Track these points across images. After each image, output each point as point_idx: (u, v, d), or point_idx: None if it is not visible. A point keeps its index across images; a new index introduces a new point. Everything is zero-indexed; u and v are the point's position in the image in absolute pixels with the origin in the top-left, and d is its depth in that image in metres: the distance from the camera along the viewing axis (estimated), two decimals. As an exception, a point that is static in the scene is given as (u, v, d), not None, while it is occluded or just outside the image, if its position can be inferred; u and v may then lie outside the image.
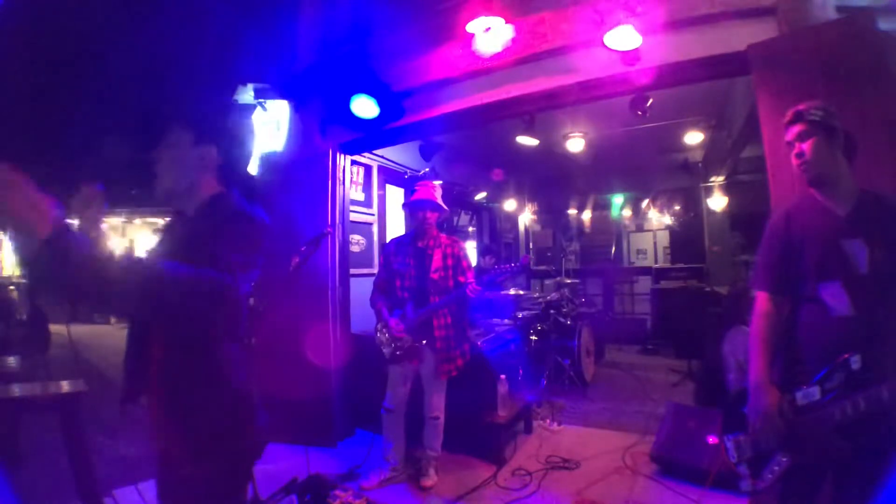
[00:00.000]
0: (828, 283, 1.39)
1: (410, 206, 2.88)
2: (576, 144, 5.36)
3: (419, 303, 2.77)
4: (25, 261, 0.85)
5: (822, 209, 1.47)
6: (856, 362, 1.29)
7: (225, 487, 1.20)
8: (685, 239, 7.76)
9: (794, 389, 1.40)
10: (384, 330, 2.83)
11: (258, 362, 1.35)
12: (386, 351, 2.82)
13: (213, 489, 1.17)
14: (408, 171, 5.30)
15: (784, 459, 1.40)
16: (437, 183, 2.97)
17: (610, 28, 2.49)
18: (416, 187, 2.88)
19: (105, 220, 12.88)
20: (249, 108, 4.12)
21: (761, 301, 1.53)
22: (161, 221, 13.19)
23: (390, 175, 4.92)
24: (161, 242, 1.32)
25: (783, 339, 1.49)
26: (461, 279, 2.77)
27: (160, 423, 1.20)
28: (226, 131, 1.30)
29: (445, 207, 2.90)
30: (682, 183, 7.56)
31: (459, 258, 2.83)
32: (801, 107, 1.48)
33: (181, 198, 1.27)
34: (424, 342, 2.77)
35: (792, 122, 1.49)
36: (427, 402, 2.85)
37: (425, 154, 5.06)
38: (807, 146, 1.45)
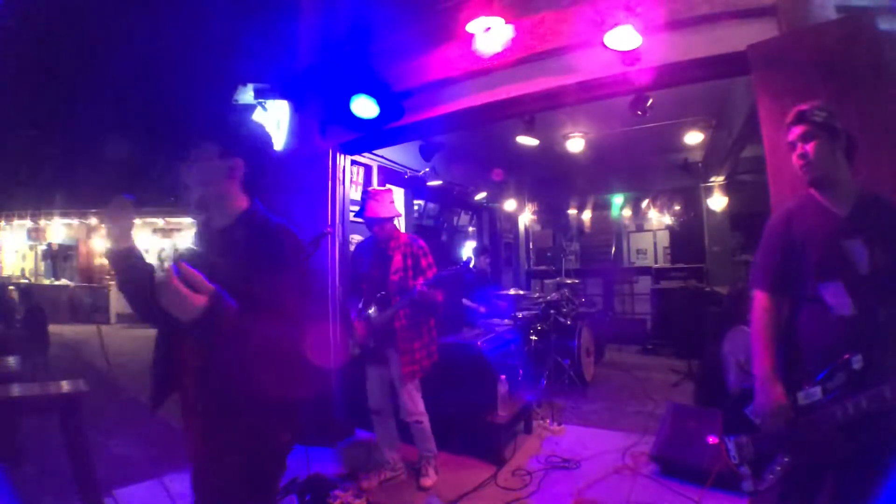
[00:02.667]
0: (829, 284, 1.39)
1: (364, 221, 2.91)
2: (576, 144, 5.36)
3: (383, 305, 2.77)
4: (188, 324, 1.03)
5: (823, 210, 1.46)
6: (857, 362, 1.29)
7: (259, 481, 1.27)
8: (685, 239, 7.76)
9: (795, 390, 1.40)
10: (352, 333, 2.85)
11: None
12: (354, 353, 2.84)
13: (248, 482, 1.23)
14: (408, 171, 5.31)
15: (786, 460, 1.40)
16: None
17: (610, 28, 2.49)
18: (366, 200, 2.87)
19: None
20: (249, 108, 4.12)
21: (760, 300, 1.52)
22: (160, 222, 13.19)
23: (390, 175, 4.91)
24: (195, 256, 1.33)
25: (783, 339, 1.49)
26: (420, 279, 2.75)
27: (199, 416, 1.24)
28: (251, 142, 1.34)
29: (393, 215, 2.87)
30: (682, 183, 7.55)
31: (418, 257, 2.81)
32: (803, 107, 1.48)
33: (211, 210, 1.32)
34: (389, 344, 2.77)
35: (794, 122, 1.49)
36: (402, 406, 2.82)
37: (425, 154, 5.06)
38: (810, 147, 1.44)
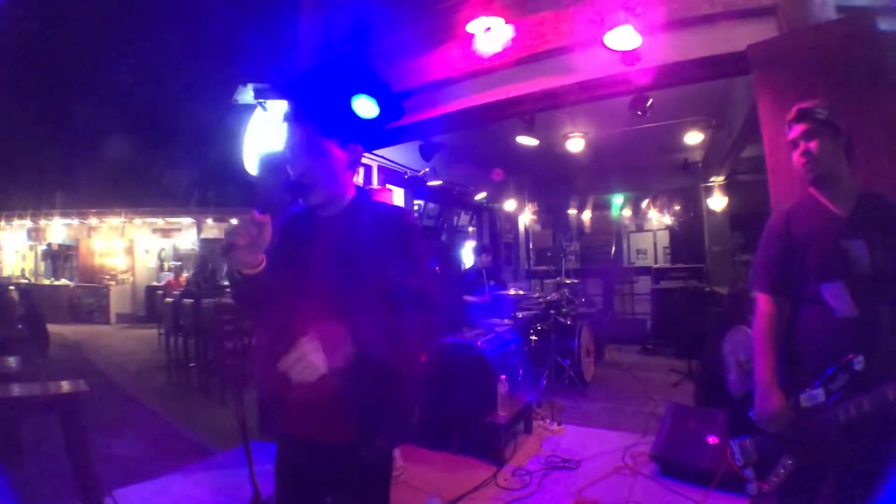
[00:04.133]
0: (830, 284, 1.38)
1: None
2: (576, 144, 5.36)
3: None
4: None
5: (823, 210, 1.46)
6: (859, 363, 1.28)
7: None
8: (685, 239, 7.77)
9: (797, 392, 1.40)
10: None
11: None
12: None
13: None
14: (408, 171, 5.30)
15: (789, 462, 1.40)
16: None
17: (610, 28, 2.49)
18: None
19: (106, 219, 12.79)
20: (249, 108, 4.12)
21: (762, 303, 1.51)
22: (160, 222, 13.18)
23: (390, 175, 4.91)
24: (299, 246, 1.27)
25: (785, 340, 1.49)
26: None
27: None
28: (359, 127, 1.36)
29: None
30: (682, 183, 7.56)
31: None
32: (805, 105, 1.47)
33: (328, 199, 1.26)
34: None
35: (796, 120, 1.48)
36: None
37: (425, 154, 5.05)
38: (813, 145, 1.43)
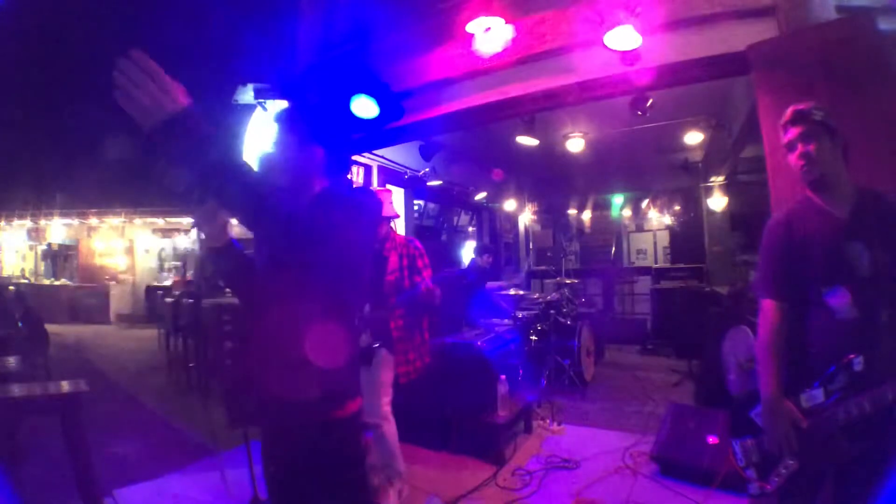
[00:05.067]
0: (832, 287, 1.38)
1: None
2: (576, 144, 5.36)
3: (377, 305, 2.73)
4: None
5: (823, 212, 1.45)
6: (859, 364, 1.29)
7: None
8: (685, 239, 7.77)
9: (799, 392, 1.40)
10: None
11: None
12: None
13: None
14: (408, 171, 5.30)
15: (791, 462, 1.40)
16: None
17: (610, 28, 2.48)
18: None
19: (106, 219, 12.78)
20: (249, 108, 4.12)
21: (769, 310, 1.49)
22: (160, 222, 13.17)
23: (390, 175, 4.91)
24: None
25: (790, 343, 1.48)
26: (417, 279, 2.72)
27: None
28: (327, 129, 1.39)
29: (390, 215, 2.86)
30: (682, 183, 7.56)
31: (414, 258, 2.80)
32: (801, 107, 1.46)
33: (296, 195, 1.34)
34: (379, 344, 2.68)
35: (792, 122, 1.46)
36: (368, 403, 2.58)
37: (425, 154, 5.05)
38: (812, 147, 1.42)
